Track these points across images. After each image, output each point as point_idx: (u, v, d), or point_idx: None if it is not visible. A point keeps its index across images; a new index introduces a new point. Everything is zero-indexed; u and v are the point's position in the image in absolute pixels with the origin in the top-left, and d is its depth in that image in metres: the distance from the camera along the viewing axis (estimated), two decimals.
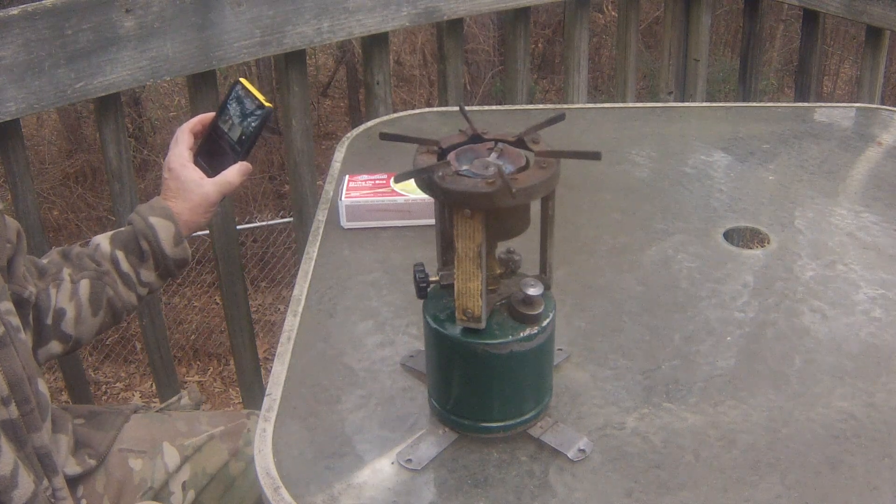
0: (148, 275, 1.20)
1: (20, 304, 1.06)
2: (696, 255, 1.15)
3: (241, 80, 1.22)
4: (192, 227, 1.23)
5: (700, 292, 1.07)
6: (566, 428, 0.86)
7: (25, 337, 1.01)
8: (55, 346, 1.13)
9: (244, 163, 1.22)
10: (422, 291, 0.83)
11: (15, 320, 1.00)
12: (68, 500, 1.03)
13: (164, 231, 1.19)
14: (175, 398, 1.30)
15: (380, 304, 1.07)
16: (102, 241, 1.20)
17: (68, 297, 1.14)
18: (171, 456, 1.16)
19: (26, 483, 0.95)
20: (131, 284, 1.19)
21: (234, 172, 1.21)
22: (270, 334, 4.65)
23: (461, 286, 0.77)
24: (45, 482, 1.00)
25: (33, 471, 0.98)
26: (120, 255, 1.18)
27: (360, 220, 1.23)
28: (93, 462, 1.10)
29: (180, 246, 1.21)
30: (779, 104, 1.86)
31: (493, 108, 1.82)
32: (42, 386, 1.02)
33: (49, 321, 1.12)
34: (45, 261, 1.17)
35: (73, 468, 1.07)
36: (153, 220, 1.19)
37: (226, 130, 1.22)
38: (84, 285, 1.15)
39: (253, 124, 1.19)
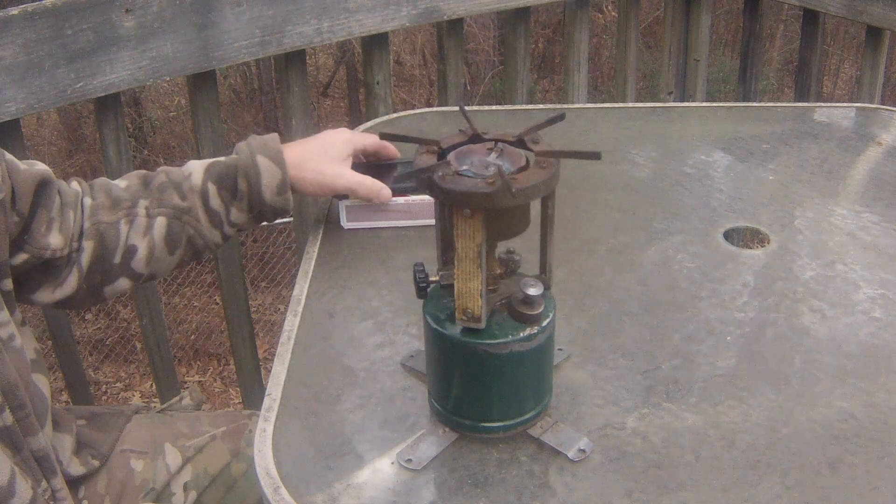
0: (239, 216, 1.13)
1: (41, 263, 1.03)
2: (696, 255, 1.15)
3: None
4: (297, 186, 1.14)
5: (700, 292, 1.07)
6: (566, 428, 0.86)
7: (20, 343, 0.99)
8: (123, 283, 1.10)
9: (386, 188, 1.16)
10: (422, 291, 0.83)
11: (6, 331, 0.97)
12: (68, 501, 1.03)
13: (268, 175, 1.10)
14: (176, 398, 1.30)
15: (380, 304, 1.07)
16: (196, 170, 1.12)
17: (142, 234, 1.08)
18: (172, 457, 1.16)
19: (24, 490, 0.95)
20: (218, 223, 1.12)
21: (372, 186, 1.15)
22: (270, 334, 4.65)
23: (461, 286, 0.77)
24: (44, 484, 1.00)
25: (31, 475, 0.98)
26: (212, 189, 1.10)
27: (360, 220, 1.22)
28: (96, 463, 1.10)
29: (283, 196, 1.12)
30: (779, 104, 1.86)
31: (493, 108, 1.82)
32: (43, 386, 1.02)
33: (117, 259, 1.08)
34: (122, 185, 1.11)
35: (76, 468, 1.07)
36: (261, 159, 1.10)
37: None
38: (160, 223, 1.08)
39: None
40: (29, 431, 0.97)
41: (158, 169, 1.15)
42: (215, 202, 1.11)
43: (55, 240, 1.04)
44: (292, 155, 1.14)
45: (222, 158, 1.13)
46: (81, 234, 1.08)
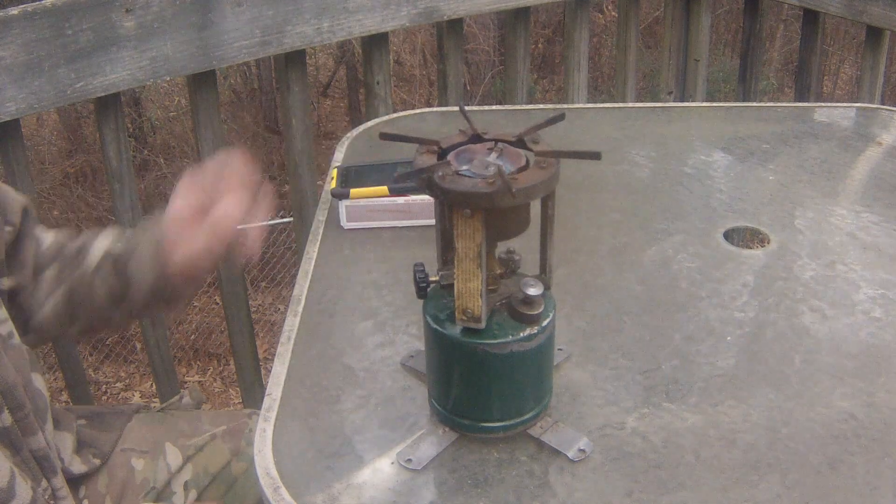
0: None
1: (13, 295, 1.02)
2: (696, 255, 1.15)
3: None
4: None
5: (700, 292, 1.07)
6: (566, 428, 0.86)
7: (18, 340, 1.00)
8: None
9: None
10: (422, 291, 0.83)
11: (6, 328, 0.97)
12: (69, 500, 1.03)
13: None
14: (176, 397, 1.30)
15: (380, 304, 1.07)
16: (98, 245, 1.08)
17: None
18: (173, 456, 1.16)
19: (24, 490, 0.95)
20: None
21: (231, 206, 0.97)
22: (270, 334, 4.65)
23: (461, 286, 0.77)
24: (45, 483, 1.00)
25: (31, 475, 0.98)
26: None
27: (360, 220, 1.22)
28: (97, 461, 1.10)
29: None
30: (779, 104, 1.86)
31: (493, 108, 1.82)
32: (41, 385, 1.02)
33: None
34: (46, 242, 1.09)
35: (78, 467, 1.07)
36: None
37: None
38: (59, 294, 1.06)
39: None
40: (28, 431, 0.97)
41: (73, 241, 1.11)
42: (109, 282, 1.05)
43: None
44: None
45: (118, 242, 1.08)
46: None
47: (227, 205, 0.96)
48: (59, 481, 1.01)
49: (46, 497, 1.00)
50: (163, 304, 1.07)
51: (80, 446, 1.10)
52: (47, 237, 1.09)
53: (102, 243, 1.08)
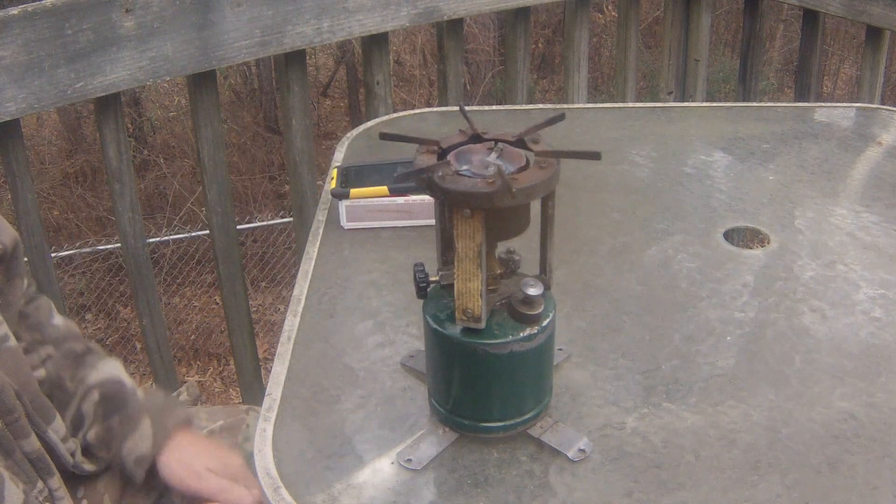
0: (94, 437, 1.06)
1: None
2: (696, 255, 1.15)
3: None
4: (162, 471, 1.07)
5: (700, 292, 1.07)
6: (566, 428, 0.86)
7: (14, 343, 0.98)
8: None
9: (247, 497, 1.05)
10: (422, 291, 0.83)
11: (0, 330, 0.96)
12: (66, 501, 1.02)
13: (137, 440, 1.06)
14: (174, 394, 1.30)
15: (380, 304, 1.07)
16: (103, 371, 1.09)
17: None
18: None
19: (14, 493, 0.94)
20: (78, 426, 1.06)
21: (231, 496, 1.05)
22: (270, 334, 4.65)
23: (461, 286, 0.77)
24: (40, 485, 0.99)
25: (24, 477, 0.97)
26: (95, 395, 1.06)
27: (360, 220, 1.22)
28: (105, 459, 1.09)
29: (140, 469, 1.07)
30: (779, 104, 1.86)
31: (493, 108, 1.82)
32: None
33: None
34: (55, 322, 1.10)
35: (89, 466, 1.06)
36: (145, 424, 1.07)
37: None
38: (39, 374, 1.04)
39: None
40: (20, 435, 0.96)
41: (88, 343, 1.13)
42: (88, 407, 1.06)
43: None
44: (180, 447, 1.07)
45: (128, 383, 1.09)
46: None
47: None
48: (56, 482, 1.01)
49: (42, 499, 0.99)
50: (98, 457, 1.07)
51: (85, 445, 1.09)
52: (57, 316, 1.12)
53: (107, 369, 1.10)
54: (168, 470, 1.07)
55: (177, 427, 1.09)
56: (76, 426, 1.06)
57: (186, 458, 1.07)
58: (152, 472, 1.07)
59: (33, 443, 0.98)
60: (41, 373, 1.05)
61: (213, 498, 1.06)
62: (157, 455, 1.07)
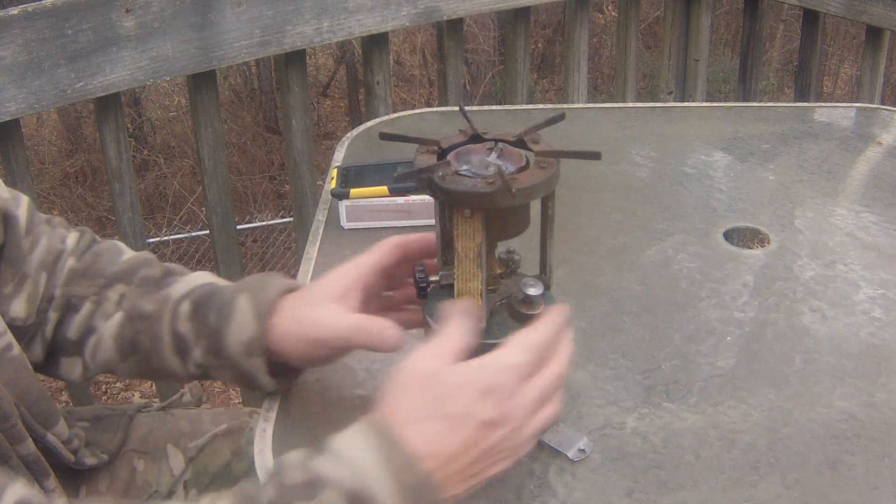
0: (203, 358, 0.90)
1: None
2: (696, 255, 1.15)
3: None
4: (278, 350, 0.86)
5: (700, 292, 1.07)
6: (566, 428, 0.86)
7: (18, 351, 0.94)
8: (76, 364, 0.98)
9: (393, 328, 0.81)
10: (422, 291, 0.83)
11: (3, 341, 0.92)
12: (62, 499, 1.02)
13: (239, 324, 0.86)
14: (177, 395, 1.29)
15: None
16: (189, 280, 0.93)
17: (102, 320, 0.95)
18: (176, 460, 1.16)
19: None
20: (182, 351, 0.91)
21: (373, 330, 0.82)
22: None
23: (461, 286, 0.77)
24: (36, 487, 0.99)
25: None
26: (186, 308, 0.90)
27: (360, 220, 1.22)
28: (105, 457, 1.09)
29: (253, 359, 0.86)
30: (779, 104, 1.86)
31: (493, 108, 1.82)
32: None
33: (74, 336, 0.96)
34: (123, 258, 0.97)
35: (90, 459, 1.06)
36: (242, 301, 0.86)
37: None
38: (116, 319, 0.93)
39: None
40: (16, 440, 0.95)
41: (167, 264, 0.98)
42: (184, 326, 0.89)
43: (18, 308, 0.94)
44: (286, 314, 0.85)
45: (221, 282, 0.93)
46: (51, 299, 0.96)
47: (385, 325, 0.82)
48: (52, 482, 1.01)
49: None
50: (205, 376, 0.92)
51: (86, 446, 1.09)
52: (127, 252, 0.98)
53: (196, 276, 0.94)
54: (285, 339, 0.84)
55: (281, 295, 0.86)
56: (182, 354, 0.90)
57: (303, 315, 0.85)
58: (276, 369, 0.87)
59: (29, 446, 0.97)
60: (119, 316, 0.92)
61: (349, 339, 0.84)
62: (266, 331, 0.84)
